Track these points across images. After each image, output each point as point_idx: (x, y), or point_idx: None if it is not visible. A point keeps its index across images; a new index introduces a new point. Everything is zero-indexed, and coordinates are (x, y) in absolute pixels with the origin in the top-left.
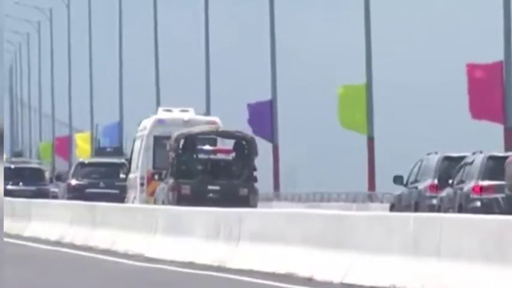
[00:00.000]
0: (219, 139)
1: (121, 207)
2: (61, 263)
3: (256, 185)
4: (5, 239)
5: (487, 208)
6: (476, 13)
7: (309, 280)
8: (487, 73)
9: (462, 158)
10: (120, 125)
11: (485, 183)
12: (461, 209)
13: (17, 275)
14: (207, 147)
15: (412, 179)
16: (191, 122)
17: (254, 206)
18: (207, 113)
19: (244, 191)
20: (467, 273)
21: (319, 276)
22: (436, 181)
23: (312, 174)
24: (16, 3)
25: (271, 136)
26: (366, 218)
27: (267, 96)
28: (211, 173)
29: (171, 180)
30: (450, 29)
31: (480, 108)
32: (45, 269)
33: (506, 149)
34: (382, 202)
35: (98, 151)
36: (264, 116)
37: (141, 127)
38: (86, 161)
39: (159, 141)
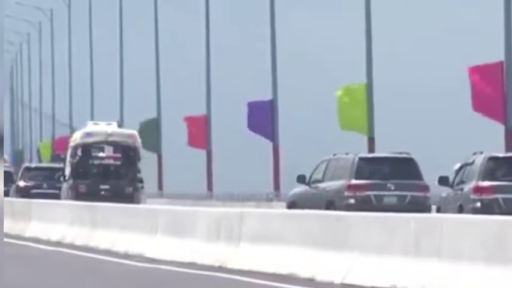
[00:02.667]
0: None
1: (122, 208)
2: (62, 263)
3: (140, 184)
4: (6, 240)
5: (487, 209)
6: (476, 13)
7: (309, 280)
8: (488, 73)
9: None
10: (120, 125)
11: (485, 183)
12: (461, 210)
13: (18, 276)
14: (101, 154)
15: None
16: (114, 134)
17: (138, 202)
18: (121, 125)
19: (129, 190)
20: (468, 274)
21: (320, 276)
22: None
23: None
24: (17, 3)
25: (271, 136)
26: (366, 219)
27: (268, 96)
28: (103, 174)
29: (70, 181)
30: (451, 29)
31: (481, 107)
32: (46, 270)
33: (507, 150)
34: None
35: (53, 158)
36: (264, 116)
37: (72, 138)
38: (32, 165)
39: (80, 150)
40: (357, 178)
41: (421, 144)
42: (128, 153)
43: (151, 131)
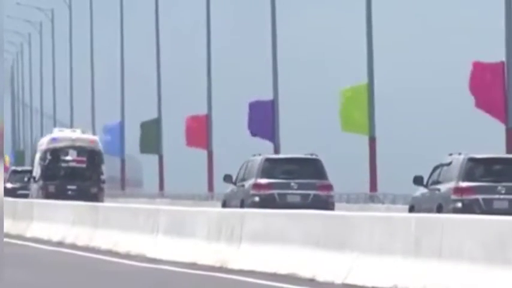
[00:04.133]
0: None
1: (123, 208)
2: (63, 263)
3: (103, 185)
4: (7, 240)
5: (468, 209)
6: (477, 13)
7: (310, 280)
8: (489, 73)
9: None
10: (121, 124)
11: (466, 184)
12: (440, 209)
13: (19, 276)
14: (68, 157)
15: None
16: (77, 140)
17: (102, 201)
18: (85, 132)
19: (94, 190)
20: (468, 274)
21: (321, 276)
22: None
23: None
24: (18, 3)
25: (272, 136)
26: (367, 219)
27: (269, 96)
28: (70, 176)
29: (40, 182)
30: (451, 29)
31: (482, 104)
32: (47, 270)
33: (508, 149)
34: (383, 203)
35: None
36: (265, 117)
37: (40, 143)
38: (19, 169)
39: (49, 154)
40: (262, 177)
41: (421, 144)
42: (92, 157)
43: (152, 131)
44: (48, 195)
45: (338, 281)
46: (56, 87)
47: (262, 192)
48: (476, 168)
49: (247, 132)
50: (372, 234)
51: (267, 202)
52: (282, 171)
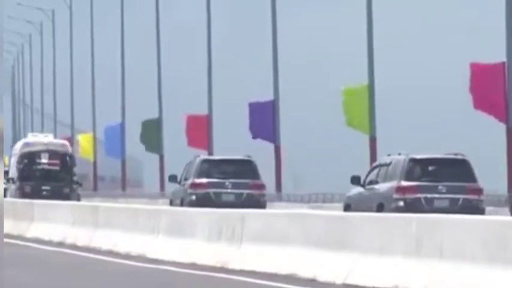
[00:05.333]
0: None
1: (124, 209)
2: (63, 264)
3: (75, 186)
4: (8, 240)
5: (410, 208)
6: (478, 13)
7: (311, 281)
8: (490, 73)
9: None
10: (122, 125)
11: (408, 183)
12: (381, 208)
13: (20, 276)
14: (43, 160)
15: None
16: (49, 144)
17: (76, 200)
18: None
19: (66, 190)
20: (469, 274)
21: (322, 277)
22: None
23: (314, 174)
24: (18, 4)
25: (273, 137)
26: (368, 219)
27: (269, 97)
28: (45, 177)
29: (17, 183)
30: (452, 29)
31: (482, 104)
32: (48, 270)
33: (508, 149)
34: None
35: None
36: (265, 117)
37: (15, 147)
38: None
39: (26, 157)
40: (199, 177)
41: (421, 144)
42: (65, 160)
43: (152, 131)
44: (24, 195)
45: (339, 281)
46: (57, 87)
47: (199, 191)
48: (418, 168)
49: (248, 133)
50: (373, 234)
51: (203, 201)
52: (217, 171)
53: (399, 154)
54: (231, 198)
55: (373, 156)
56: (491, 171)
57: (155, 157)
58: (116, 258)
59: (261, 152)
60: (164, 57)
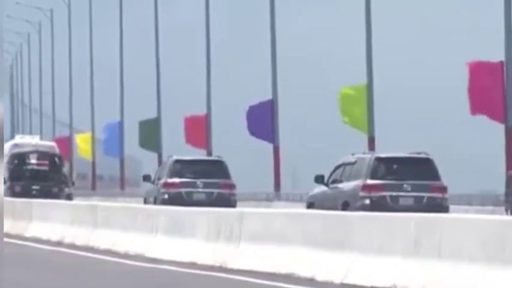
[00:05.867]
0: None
1: (122, 208)
2: (62, 263)
3: (63, 185)
4: (7, 240)
5: (376, 206)
6: (477, 13)
7: (310, 280)
8: (488, 72)
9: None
10: (121, 124)
11: (374, 182)
12: (346, 206)
13: (18, 276)
14: (33, 161)
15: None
16: (37, 145)
17: (62, 199)
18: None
19: (55, 190)
20: (468, 274)
21: (320, 276)
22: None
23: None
24: (17, 3)
25: (271, 137)
26: (367, 219)
27: (268, 96)
28: (34, 177)
29: (8, 182)
30: (451, 29)
31: (480, 107)
32: (46, 270)
33: (507, 148)
34: None
35: None
36: (264, 117)
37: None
38: None
39: (16, 158)
40: (171, 177)
41: (421, 143)
42: (53, 160)
43: (151, 130)
44: (14, 195)
45: (337, 280)
46: (55, 86)
47: (171, 190)
48: (383, 166)
49: (247, 132)
50: (371, 234)
51: (175, 200)
52: (189, 171)
53: (364, 153)
54: (202, 197)
55: None
56: (490, 171)
57: (154, 156)
58: (115, 257)
59: (260, 152)
60: (163, 56)
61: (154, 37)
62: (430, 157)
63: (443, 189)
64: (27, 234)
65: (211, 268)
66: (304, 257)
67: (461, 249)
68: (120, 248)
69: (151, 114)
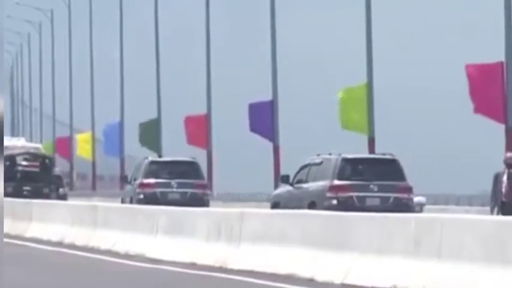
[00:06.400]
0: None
1: (122, 208)
2: (62, 263)
3: (53, 186)
4: (7, 240)
5: (343, 206)
6: (477, 13)
7: (310, 281)
8: (488, 73)
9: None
10: (121, 124)
11: (341, 182)
12: (313, 206)
13: (18, 276)
14: (23, 162)
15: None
16: (24, 147)
17: (53, 199)
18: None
19: (46, 190)
20: (468, 274)
21: (320, 276)
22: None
23: None
24: (17, 3)
25: (272, 136)
26: (367, 219)
27: (268, 97)
28: (25, 178)
29: None
30: (451, 29)
31: (481, 107)
32: (47, 270)
33: (507, 149)
34: None
35: None
36: (264, 116)
37: None
38: None
39: (7, 159)
40: (146, 178)
41: (421, 143)
42: (44, 162)
43: (151, 131)
44: (6, 195)
45: (337, 281)
46: (56, 87)
47: (146, 190)
48: (349, 167)
49: (247, 131)
50: (371, 234)
51: (150, 199)
52: (164, 172)
53: (329, 154)
54: (176, 197)
55: None
56: (490, 171)
57: (154, 156)
58: (115, 257)
59: (260, 152)
60: (163, 56)
61: (154, 37)
62: (396, 158)
63: (409, 189)
64: (27, 235)
65: (212, 268)
66: (304, 257)
67: (461, 249)
68: (120, 248)
69: (152, 114)
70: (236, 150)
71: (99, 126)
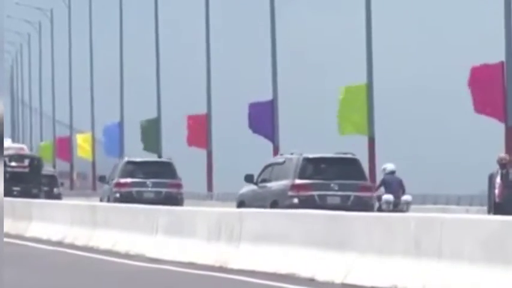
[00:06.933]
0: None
1: (122, 208)
2: (62, 263)
3: (41, 186)
4: (7, 240)
5: (304, 204)
6: (476, 14)
7: (310, 280)
8: (488, 73)
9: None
10: (120, 125)
11: (302, 181)
12: (275, 205)
13: (18, 276)
14: (12, 163)
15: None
16: (10, 148)
17: (42, 198)
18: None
19: (35, 191)
20: (468, 274)
21: (321, 276)
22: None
23: None
24: (17, 3)
25: (272, 136)
26: (367, 219)
27: (268, 97)
28: (15, 179)
29: None
30: (451, 30)
31: (481, 107)
32: (47, 270)
33: (507, 148)
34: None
35: None
36: (265, 116)
37: None
38: None
39: None
40: (122, 177)
41: (420, 144)
42: (33, 163)
43: (151, 131)
44: None
45: (338, 280)
46: (55, 87)
47: (123, 189)
48: (311, 166)
49: (247, 131)
50: (372, 234)
51: (126, 198)
52: (140, 172)
53: (291, 153)
54: (151, 196)
55: (371, 157)
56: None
57: (154, 156)
58: (115, 257)
59: (260, 152)
60: (163, 56)
61: (154, 37)
62: (357, 157)
63: (369, 188)
64: (27, 234)
65: (212, 268)
66: (305, 257)
67: (462, 249)
68: (120, 248)
69: (152, 114)
70: (236, 150)
71: (99, 127)
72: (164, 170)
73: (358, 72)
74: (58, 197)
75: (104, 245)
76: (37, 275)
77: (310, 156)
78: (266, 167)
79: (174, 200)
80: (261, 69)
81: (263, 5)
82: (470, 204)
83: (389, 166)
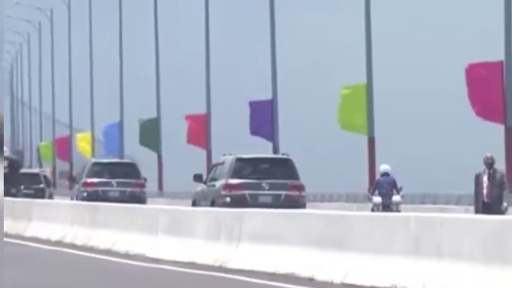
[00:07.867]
0: None
1: (122, 208)
2: (62, 263)
3: (19, 186)
4: (6, 239)
5: (236, 203)
6: (476, 13)
7: (309, 280)
8: (487, 72)
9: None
10: (120, 125)
11: (234, 181)
12: (213, 204)
13: (18, 275)
14: None
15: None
16: None
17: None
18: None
19: (13, 191)
20: (467, 274)
21: (320, 276)
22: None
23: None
24: (17, 3)
25: (271, 136)
26: (366, 218)
27: (268, 96)
28: None
29: None
30: (451, 30)
31: (480, 107)
32: (46, 269)
33: (507, 148)
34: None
35: None
36: (264, 116)
37: None
38: None
39: None
40: (89, 177)
41: (420, 144)
42: (11, 163)
43: (151, 130)
44: None
45: (337, 280)
46: (55, 86)
47: (89, 189)
48: (244, 166)
49: (248, 131)
50: (371, 234)
51: (92, 197)
52: (106, 172)
53: (230, 154)
54: (116, 195)
55: (371, 157)
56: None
57: (153, 156)
58: (115, 257)
59: (259, 152)
60: (163, 56)
61: (154, 36)
62: (290, 158)
63: (300, 187)
64: (27, 234)
65: (211, 268)
66: (304, 256)
67: (461, 248)
68: (120, 247)
69: (151, 114)
70: (236, 150)
71: (99, 126)
72: (128, 170)
73: (358, 72)
74: (50, 196)
75: (103, 245)
76: (37, 275)
77: (244, 156)
78: (212, 167)
79: (137, 198)
80: (260, 69)
81: (263, 5)
82: (470, 204)
83: (382, 167)
